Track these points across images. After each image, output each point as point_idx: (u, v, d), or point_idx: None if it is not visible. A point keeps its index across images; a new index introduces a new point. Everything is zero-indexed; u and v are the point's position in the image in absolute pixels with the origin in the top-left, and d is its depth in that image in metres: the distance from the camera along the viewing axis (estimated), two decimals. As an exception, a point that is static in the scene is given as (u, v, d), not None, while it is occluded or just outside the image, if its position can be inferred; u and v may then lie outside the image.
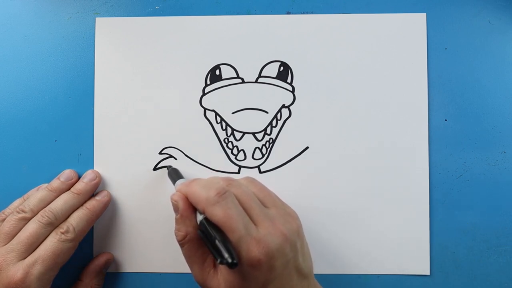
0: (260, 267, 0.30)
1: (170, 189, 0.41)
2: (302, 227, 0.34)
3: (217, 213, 0.30)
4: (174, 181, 0.38)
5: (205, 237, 0.31)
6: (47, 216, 0.36)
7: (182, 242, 0.33)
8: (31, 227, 0.35)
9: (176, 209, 0.34)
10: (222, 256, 0.28)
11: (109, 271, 0.41)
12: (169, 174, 0.39)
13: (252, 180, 0.36)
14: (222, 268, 0.32)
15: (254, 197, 0.33)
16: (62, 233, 0.36)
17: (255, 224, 0.31)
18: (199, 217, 0.32)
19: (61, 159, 0.41)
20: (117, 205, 0.41)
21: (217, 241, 0.29)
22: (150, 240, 0.41)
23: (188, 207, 0.33)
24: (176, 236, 0.33)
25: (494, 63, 0.41)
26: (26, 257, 0.35)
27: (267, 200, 0.34)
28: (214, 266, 0.33)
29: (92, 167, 0.41)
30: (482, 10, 0.42)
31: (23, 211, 0.36)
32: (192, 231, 0.33)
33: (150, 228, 0.41)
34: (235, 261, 0.28)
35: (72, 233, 0.36)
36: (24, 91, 0.42)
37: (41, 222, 0.36)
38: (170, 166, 0.40)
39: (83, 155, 0.41)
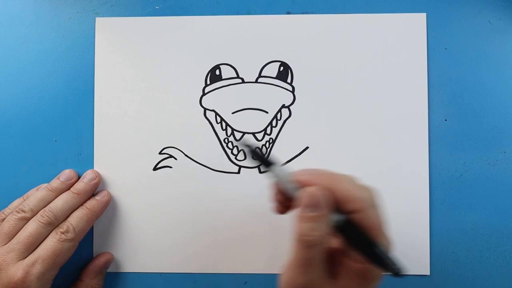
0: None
1: (170, 189, 0.41)
2: None
3: (376, 216, 0.28)
4: (266, 164, 0.31)
5: (358, 241, 0.28)
6: (47, 216, 0.36)
7: (315, 244, 0.28)
8: (31, 227, 0.35)
9: (315, 204, 0.28)
10: (391, 264, 0.27)
11: (109, 271, 0.41)
12: (254, 153, 0.31)
13: None
14: (343, 275, 0.30)
15: None
16: (62, 233, 0.36)
17: None
18: (338, 217, 0.29)
19: (61, 159, 0.41)
20: (117, 205, 0.41)
21: (378, 247, 0.28)
22: (150, 240, 0.41)
23: (330, 204, 0.29)
24: (309, 236, 0.28)
25: (494, 63, 0.41)
26: (26, 257, 0.34)
27: None
28: (334, 272, 0.30)
29: (92, 167, 0.41)
30: (482, 10, 0.42)
31: (22, 211, 0.36)
32: (327, 232, 0.29)
33: (150, 228, 0.41)
34: (401, 271, 0.27)
35: (72, 233, 0.36)
36: (24, 91, 0.42)
37: (40, 222, 0.36)
38: (250, 146, 0.31)
39: (83, 155, 0.41)
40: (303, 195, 0.29)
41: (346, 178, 0.30)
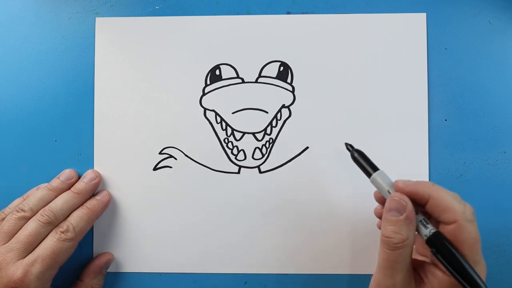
0: None
1: (170, 189, 0.41)
2: None
3: (472, 231, 0.29)
4: (367, 171, 0.34)
5: (448, 256, 0.29)
6: (47, 215, 0.36)
7: (398, 246, 0.29)
8: (31, 226, 0.35)
9: (401, 208, 0.30)
10: (477, 285, 0.27)
11: (109, 271, 0.41)
12: (355, 159, 0.35)
13: None
14: (429, 285, 0.30)
15: None
16: (62, 232, 0.36)
17: None
18: (429, 229, 0.30)
19: (61, 159, 0.41)
20: (117, 205, 0.41)
21: (468, 265, 0.28)
22: (150, 240, 0.41)
23: (414, 210, 0.30)
24: (393, 238, 0.29)
25: (494, 63, 0.41)
26: (25, 256, 0.34)
27: None
28: (420, 280, 0.31)
29: (92, 167, 0.41)
30: (482, 10, 0.42)
31: (22, 210, 0.36)
32: (412, 237, 0.30)
33: (150, 228, 0.41)
34: None
35: (71, 232, 0.36)
36: (24, 91, 0.42)
37: (40, 221, 0.36)
38: (355, 149, 0.36)
39: (83, 155, 0.41)
40: (389, 198, 0.31)
41: (448, 190, 0.31)
